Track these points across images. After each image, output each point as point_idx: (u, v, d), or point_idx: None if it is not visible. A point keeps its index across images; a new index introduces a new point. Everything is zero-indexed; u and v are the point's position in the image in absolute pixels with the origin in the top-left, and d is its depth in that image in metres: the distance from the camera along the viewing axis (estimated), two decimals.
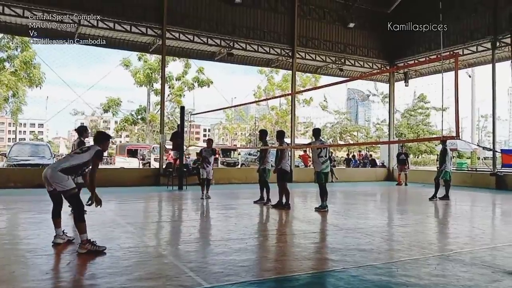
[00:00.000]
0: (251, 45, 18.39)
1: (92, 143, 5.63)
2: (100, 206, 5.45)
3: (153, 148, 32.74)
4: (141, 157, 30.91)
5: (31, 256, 5.01)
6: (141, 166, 27.10)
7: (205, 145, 12.01)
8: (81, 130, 8.19)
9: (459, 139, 7.63)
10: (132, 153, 32.07)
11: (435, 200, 11.97)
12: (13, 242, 5.93)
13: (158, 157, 34.06)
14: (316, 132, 9.94)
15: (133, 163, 26.03)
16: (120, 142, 42.52)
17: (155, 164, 28.63)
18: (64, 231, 5.72)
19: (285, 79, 39.77)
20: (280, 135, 10.43)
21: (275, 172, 9.88)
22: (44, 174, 5.29)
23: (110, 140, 5.85)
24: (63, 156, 5.54)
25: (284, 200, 9.70)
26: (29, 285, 3.92)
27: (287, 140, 18.00)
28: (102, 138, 5.70)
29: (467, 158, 39.90)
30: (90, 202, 5.45)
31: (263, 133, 11.14)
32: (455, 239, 6.62)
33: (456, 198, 12.86)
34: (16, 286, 3.92)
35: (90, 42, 16.62)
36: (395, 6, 20.10)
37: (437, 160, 13.46)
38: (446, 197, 12.18)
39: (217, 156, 27.39)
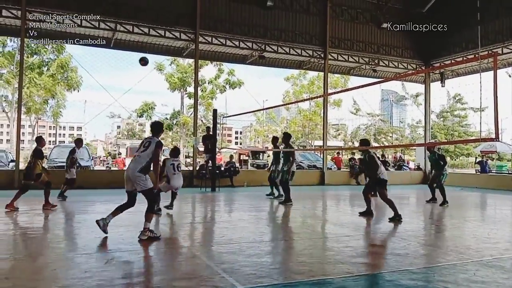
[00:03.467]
0: (282, 47, 18.38)
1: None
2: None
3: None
4: None
5: (72, 255, 5.19)
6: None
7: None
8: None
9: (498, 141, 7.38)
10: None
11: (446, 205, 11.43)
12: (54, 241, 6.16)
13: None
14: (365, 143, 9.86)
15: None
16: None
17: None
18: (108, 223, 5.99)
19: (312, 82, 39.61)
20: (287, 137, 11.20)
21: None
22: (126, 175, 6.01)
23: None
24: (134, 157, 6.24)
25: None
26: (70, 282, 4.07)
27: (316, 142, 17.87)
28: (159, 128, 6.44)
29: (508, 161, 38.40)
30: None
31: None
32: (494, 245, 6.38)
33: (496, 202, 12.41)
34: (58, 283, 4.07)
35: (125, 47, 17.18)
36: (430, 5, 19.62)
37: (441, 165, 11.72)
38: (433, 199, 11.73)
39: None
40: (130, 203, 6.10)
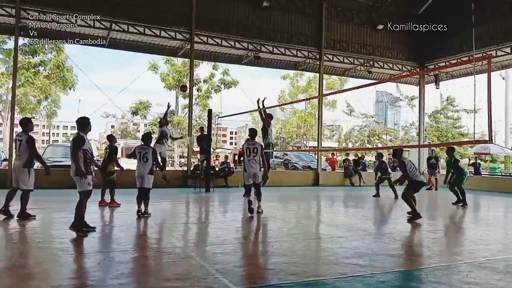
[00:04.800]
0: (278, 48, 18.39)
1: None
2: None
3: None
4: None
5: (64, 255, 5.15)
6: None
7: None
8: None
9: (492, 143, 7.44)
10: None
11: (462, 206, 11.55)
12: (46, 241, 6.12)
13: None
14: (398, 153, 9.80)
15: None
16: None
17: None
18: None
19: (309, 84, 39.64)
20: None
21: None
22: (250, 172, 8.62)
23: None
24: (249, 160, 8.71)
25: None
26: (61, 282, 4.04)
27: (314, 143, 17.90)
28: (255, 133, 9.14)
29: (501, 163, 38.66)
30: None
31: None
32: (487, 246, 6.41)
33: (489, 204, 12.48)
34: (49, 283, 4.04)
35: (121, 46, 17.16)
36: (425, 7, 19.72)
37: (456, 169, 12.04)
38: (461, 201, 11.80)
39: None
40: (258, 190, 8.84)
